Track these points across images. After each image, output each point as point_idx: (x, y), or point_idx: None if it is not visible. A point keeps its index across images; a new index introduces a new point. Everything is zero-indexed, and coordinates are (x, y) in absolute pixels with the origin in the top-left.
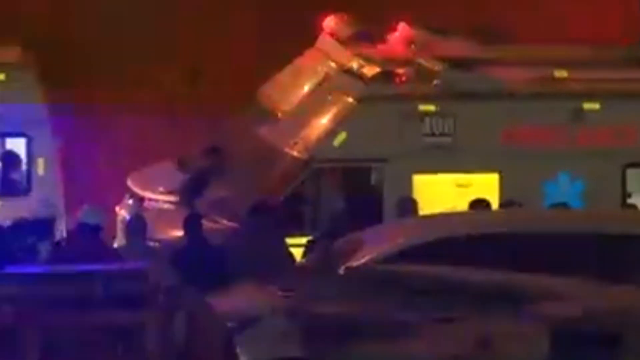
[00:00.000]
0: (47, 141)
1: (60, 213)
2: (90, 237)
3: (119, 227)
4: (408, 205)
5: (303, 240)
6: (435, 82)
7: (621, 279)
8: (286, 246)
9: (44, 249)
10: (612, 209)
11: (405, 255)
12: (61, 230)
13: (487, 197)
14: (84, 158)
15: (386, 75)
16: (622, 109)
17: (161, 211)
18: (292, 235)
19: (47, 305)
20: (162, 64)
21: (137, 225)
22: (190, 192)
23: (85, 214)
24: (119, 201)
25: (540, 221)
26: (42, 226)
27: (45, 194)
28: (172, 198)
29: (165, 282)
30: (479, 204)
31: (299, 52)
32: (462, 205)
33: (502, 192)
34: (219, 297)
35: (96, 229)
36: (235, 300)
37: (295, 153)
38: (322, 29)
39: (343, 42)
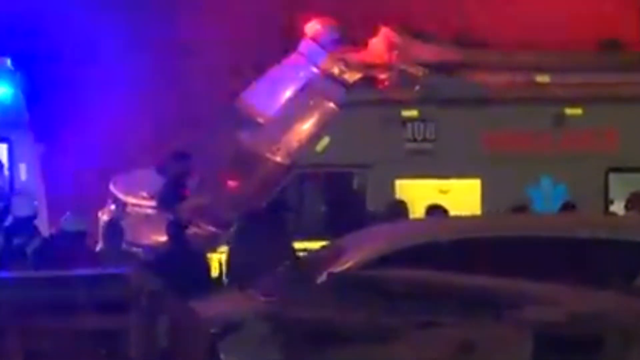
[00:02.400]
0: (29, 146)
1: (40, 209)
2: (74, 243)
3: (101, 232)
4: (397, 209)
5: None
6: (417, 87)
7: (605, 284)
8: (293, 250)
9: (31, 247)
10: (597, 214)
11: (388, 260)
12: (44, 229)
13: (469, 202)
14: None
15: (368, 81)
16: (604, 114)
17: (143, 216)
18: None
19: (29, 310)
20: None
21: (113, 231)
22: (165, 197)
23: (68, 222)
24: (101, 206)
25: (524, 226)
26: (26, 224)
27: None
28: (154, 203)
29: (148, 287)
30: (435, 210)
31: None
32: None
33: (485, 198)
34: (201, 302)
35: (81, 235)
36: (218, 305)
37: (277, 159)
38: (304, 34)
39: (325, 47)
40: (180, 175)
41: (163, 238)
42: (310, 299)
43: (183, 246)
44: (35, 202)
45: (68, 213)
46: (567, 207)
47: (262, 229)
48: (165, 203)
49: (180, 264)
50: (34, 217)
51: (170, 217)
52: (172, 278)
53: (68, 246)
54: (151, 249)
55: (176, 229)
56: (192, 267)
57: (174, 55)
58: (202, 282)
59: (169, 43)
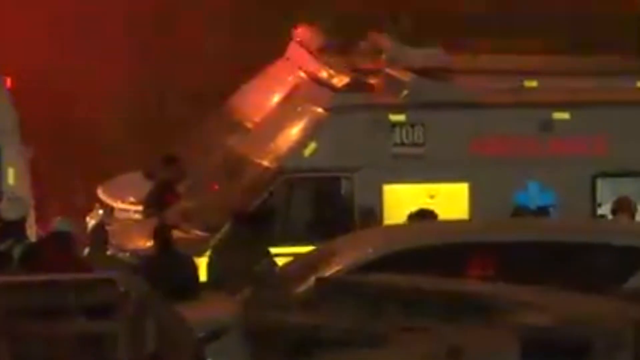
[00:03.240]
0: (17, 150)
1: (30, 212)
2: (62, 246)
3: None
4: (370, 217)
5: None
6: (404, 92)
7: (593, 288)
8: (270, 256)
9: (17, 251)
10: (583, 218)
11: (375, 265)
12: (32, 233)
13: (457, 206)
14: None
15: (356, 85)
16: (592, 119)
17: (131, 221)
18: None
19: (16, 314)
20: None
21: (98, 235)
22: (154, 202)
23: (61, 223)
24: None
25: (512, 230)
26: (15, 228)
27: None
28: (141, 208)
29: (136, 292)
30: (424, 214)
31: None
32: None
33: (473, 202)
34: (188, 306)
35: (70, 239)
36: (206, 309)
37: (265, 163)
38: (292, 39)
39: (313, 51)
40: (170, 180)
41: (150, 243)
42: (298, 303)
43: (170, 251)
44: (25, 206)
45: (60, 218)
46: (542, 211)
47: (246, 233)
48: (153, 208)
49: (168, 269)
50: (24, 220)
51: (158, 221)
52: (159, 282)
53: (56, 249)
54: (139, 253)
55: (163, 234)
56: (180, 271)
57: (162, 59)
58: (189, 286)
59: (156, 46)
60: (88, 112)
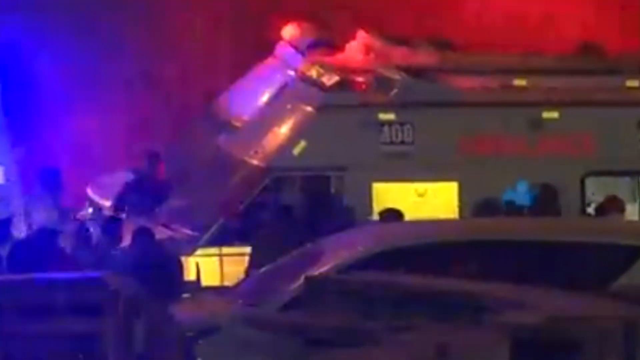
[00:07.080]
0: (6, 149)
1: (17, 212)
2: (49, 243)
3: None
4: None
5: None
6: (394, 90)
7: (582, 287)
8: None
9: (4, 251)
10: (574, 218)
11: (365, 263)
12: (20, 232)
13: (446, 205)
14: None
15: (345, 84)
16: (581, 118)
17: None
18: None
19: (5, 313)
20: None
21: (80, 235)
22: (133, 200)
23: (47, 222)
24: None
25: (502, 229)
26: (2, 228)
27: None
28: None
29: (125, 291)
30: (389, 214)
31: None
32: (423, 214)
33: (462, 201)
34: (177, 305)
35: (55, 234)
36: (194, 309)
37: (255, 162)
38: (281, 38)
39: (302, 50)
40: (146, 177)
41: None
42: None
43: (155, 250)
44: (11, 206)
45: (47, 216)
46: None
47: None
48: (133, 207)
49: (154, 268)
50: (10, 220)
51: (141, 220)
52: (146, 282)
53: (43, 246)
54: (126, 252)
55: (143, 234)
56: (166, 270)
57: (150, 58)
58: (176, 285)
59: (144, 46)
60: (77, 108)
